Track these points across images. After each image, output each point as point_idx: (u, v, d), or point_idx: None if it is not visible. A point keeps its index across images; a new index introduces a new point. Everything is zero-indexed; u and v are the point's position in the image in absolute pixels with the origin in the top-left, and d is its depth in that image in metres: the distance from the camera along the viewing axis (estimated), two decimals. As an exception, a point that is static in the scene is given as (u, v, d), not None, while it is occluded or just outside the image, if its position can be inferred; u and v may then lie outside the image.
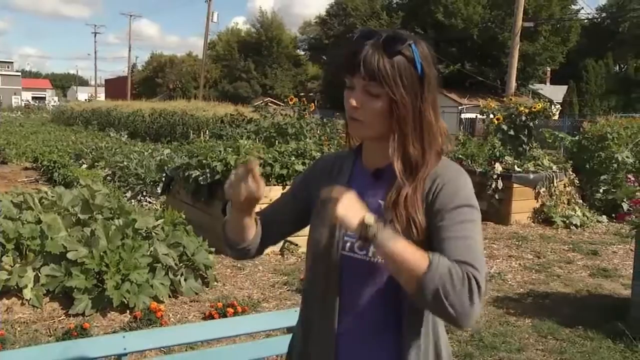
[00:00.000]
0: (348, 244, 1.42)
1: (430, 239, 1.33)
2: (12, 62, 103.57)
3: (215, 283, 5.40)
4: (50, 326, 4.31)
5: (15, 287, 4.51)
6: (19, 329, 4.23)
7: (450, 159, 1.48)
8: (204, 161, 6.80)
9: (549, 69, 43.17)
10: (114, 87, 67.62)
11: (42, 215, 4.99)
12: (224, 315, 4.47)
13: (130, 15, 63.72)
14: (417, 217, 1.35)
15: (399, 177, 1.37)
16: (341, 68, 1.38)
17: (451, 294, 1.17)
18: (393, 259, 1.23)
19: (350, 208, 1.25)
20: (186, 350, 3.43)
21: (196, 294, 5.08)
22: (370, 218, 1.23)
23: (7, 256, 4.60)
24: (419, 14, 38.95)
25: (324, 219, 1.44)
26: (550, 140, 11.14)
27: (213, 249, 5.48)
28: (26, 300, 4.55)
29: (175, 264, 4.97)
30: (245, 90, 51.59)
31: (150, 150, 13.44)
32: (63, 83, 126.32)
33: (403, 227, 1.35)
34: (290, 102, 9.45)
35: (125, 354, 1.94)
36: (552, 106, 19.10)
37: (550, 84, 46.04)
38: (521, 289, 5.63)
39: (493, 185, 8.44)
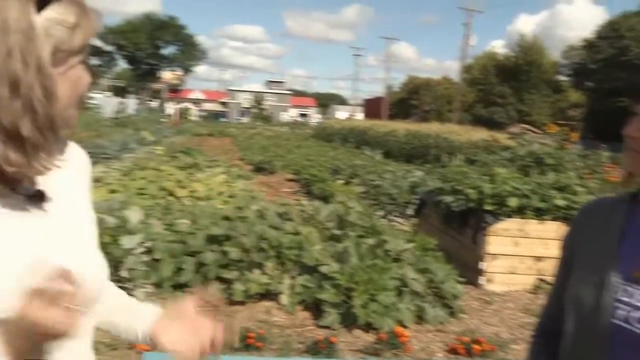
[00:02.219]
0: (622, 312, 1.14)
1: None
2: (283, 82, 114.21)
3: (462, 315, 5.20)
4: (301, 334, 4.50)
5: (275, 292, 4.83)
6: (275, 331, 4.48)
7: None
8: (457, 187, 6.65)
9: None
10: (371, 107, 70.54)
11: (300, 227, 5.28)
12: (469, 351, 4.25)
13: (388, 39, 66.21)
14: None
15: None
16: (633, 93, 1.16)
17: None
18: None
19: None
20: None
21: (441, 323, 4.93)
22: None
23: (269, 262, 4.94)
24: None
25: (590, 275, 1.21)
26: None
27: (462, 279, 5.30)
28: (282, 305, 4.83)
29: (423, 290, 4.89)
30: (500, 115, 50.31)
31: (403, 171, 13.65)
32: (325, 101, 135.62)
33: None
34: (549, 131, 8.88)
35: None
36: None
37: None
38: None
39: None
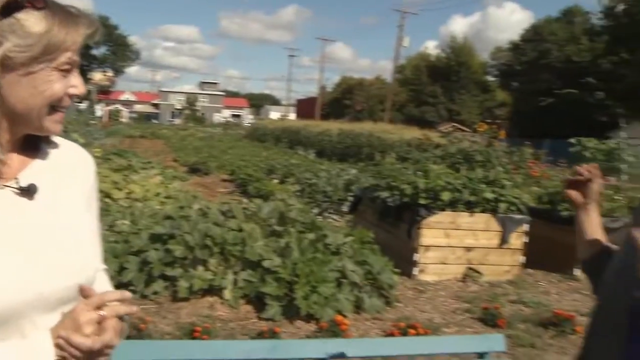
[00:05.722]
0: None
1: None
2: (217, 83, 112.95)
3: (397, 303, 5.48)
4: (245, 327, 4.66)
5: (218, 287, 4.96)
6: (218, 324, 4.62)
7: None
8: (392, 183, 6.93)
9: None
10: (304, 107, 70.91)
11: (243, 224, 5.42)
12: (405, 335, 4.51)
13: (325, 40, 66.91)
14: None
15: None
16: None
17: None
18: None
19: None
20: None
21: (378, 312, 5.18)
22: None
23: (213, 259, 5.06)
24: (629, 37, 35.27)
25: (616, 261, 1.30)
26: None
27: (397, 270, 5.58)
28: (225, 300, 4.97)
29: (361, 281, 5.13)
30: (431, 114, 51.60)
31: (337, 170, 13.94)
32: (258, 102, 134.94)
33: None
34: (479, 129, 9.34)
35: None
36: None
37: None
38: None
39: None
